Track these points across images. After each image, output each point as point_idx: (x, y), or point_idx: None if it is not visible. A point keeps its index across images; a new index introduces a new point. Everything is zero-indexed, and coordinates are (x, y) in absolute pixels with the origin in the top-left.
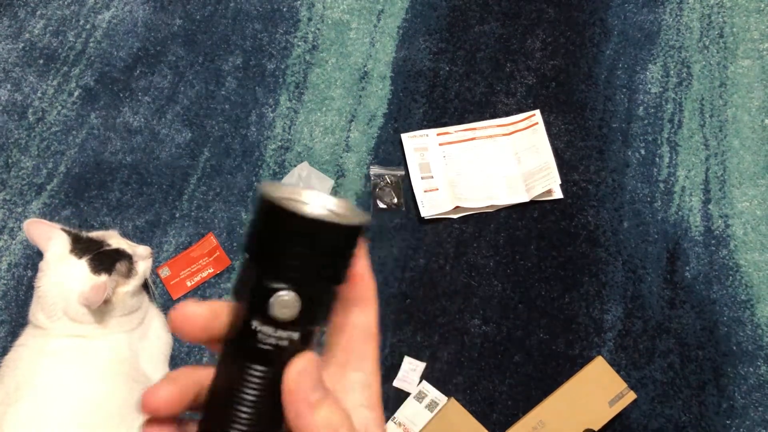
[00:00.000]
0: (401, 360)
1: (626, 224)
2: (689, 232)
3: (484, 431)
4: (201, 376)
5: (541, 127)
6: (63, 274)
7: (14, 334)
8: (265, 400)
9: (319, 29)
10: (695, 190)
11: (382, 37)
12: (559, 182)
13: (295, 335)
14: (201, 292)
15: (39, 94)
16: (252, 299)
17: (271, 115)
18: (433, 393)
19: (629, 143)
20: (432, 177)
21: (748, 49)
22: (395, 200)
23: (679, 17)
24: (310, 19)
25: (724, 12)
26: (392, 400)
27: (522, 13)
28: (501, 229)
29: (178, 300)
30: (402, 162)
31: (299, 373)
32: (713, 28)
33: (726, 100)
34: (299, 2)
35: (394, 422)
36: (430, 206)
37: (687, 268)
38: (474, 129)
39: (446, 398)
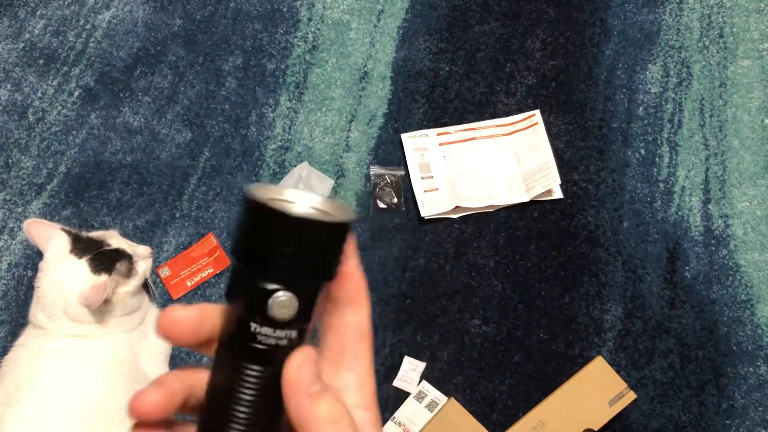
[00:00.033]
0: (401, 360)
1: (626, 224)
2: (689, 232)
3: (484, 431)
4: (190, 380)
5: (541, 127)
6: (63, 274)
7: (14, 334)
8: (265, 400)
9: (319, 29)
10: (695, 190)
11: (382, 37)
12: (559, 182)
13: (293, 333)
14: (201, 292)
15: (39, 94)
16: (249, 301)
17: (271, 115)
18: (433, 393)
19: (629, 143)
20: (432, 177)
21: (748, 49)
22: (395, 200)
23: (679, 17)
24: (310, 19)
25: (724, 12)
26: (392, 400)
27: (522, 13)
28: (501, 229)
29: (179, 300)
30: (402, 162)
31: (299, 365)
32: (713, 28)
33: (726, 100)
34: (299, 2)
35: (394, 422)
36: (430, 206)
37: (687, 268)
38: (474, 129)
39: (446, 398)
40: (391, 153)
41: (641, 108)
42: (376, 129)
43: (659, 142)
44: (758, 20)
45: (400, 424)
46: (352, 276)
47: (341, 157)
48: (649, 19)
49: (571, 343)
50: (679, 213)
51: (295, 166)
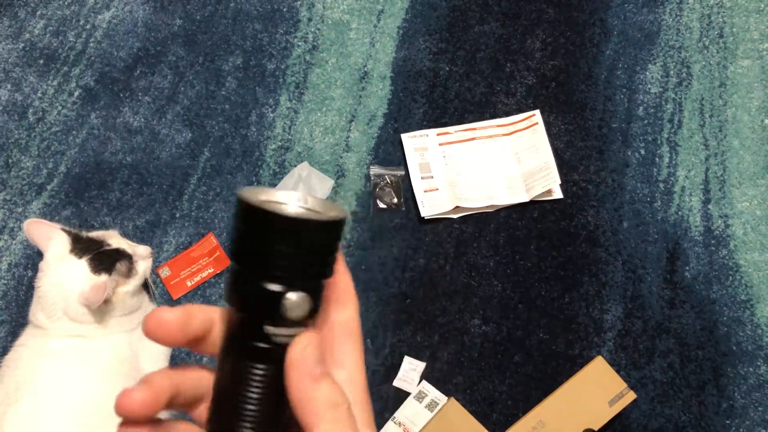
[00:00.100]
0: (401, 360)
1: (626, 224)
2: (689, 232)
3: (484, 431)
4: (177, 378)
5: (541, 127)
6: (63, 274)
7: (14, 334)
8: (274, 396)
9: (319, 29)
10: (695, 190)
11: (382, 37)
12: (559, 182)
13: (300, 330)
14: (201, 291)
15: (39, 94)
16: (260, 304)
17: (271, 115)
18: (433, 393)
19: (629, 143)
20: (432, 177)
21: (748, 49)
22: (395, 200)
23: (678, 17)
24: (310, 20)
25: (724, 12)
26: (392, 400)
27: (522, 13)
28: (501, 229)
29: (179, 300)
30: (402, 162)
31: (304, 347)
32: (713, 28)
33: (726, 100)
34: (299, 2)
35: (394, 422)
36: (430, 206)
37: (687, 268)
38: (474, 129)
39: (446, 398)
40: (391, 153)
41: (641, 108)
42: (376, 129)
43: (659, 142)
44: (758, 20)
45: (400, 424)
46: (339, 274)
47: (341, 157)
48: (649, 19)
49: (571, 343)
50: (679, 213)
51: (295, 166)
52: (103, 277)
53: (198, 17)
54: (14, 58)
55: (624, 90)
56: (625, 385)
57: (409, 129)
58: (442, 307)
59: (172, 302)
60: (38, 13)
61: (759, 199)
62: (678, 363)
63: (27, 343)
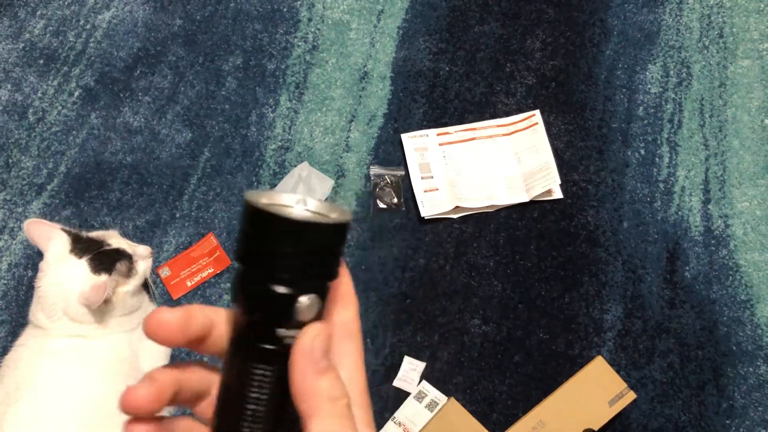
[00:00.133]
0: (401, 360)
1: (626, 224)
2: (689, 232)
3: (484, 431)
4: (180, 375)
5: (541, 127)
6: (63, 274)
7: (14, 334)
8: (279, 398)
9: (319, 29)
10: (695, 190)
11: (382, 37)
12: (559, 182)
13: None
14: (201, 292)
15: (39, 94)
16: (272, 307)
17: (271, 115)
18: (433, 393)
19: (629, 143)
20: (432, 177)
21: (748, 49)
22: (395, 200)
23: (678, 17)
24: (310, 20)
25: (723, 12)
26: (392, 400)
27: (522, 13)
28: (501, 229)
29: (179, 300)
30: (402, 162)
31: (313, 338)
32: (713, 28)
33: (726, 100)
34: (299, 2)
35: (394, 422)
36: (430, 206)
37: (687, 268)
38: (474, 129)
39: (446, 398)
40: (391, 153)
41: (641, 108)
42: (376, 129)
43: (659, 142)
44: (758, 20)
45: (400, 424)
46: (340, 275)
47: (341, 157)
48: (649, 19)
49: (571, 343)
50: (679, 213)
51: (295, 166)
52: (103, 277)
53: (198, 17)
54: (14, 58)
55: (624, 90)
56: (625, 385)
57: (409, 129)
58: (442, 307)
59: (172, 302)
60: (38, 13)
61: (759, 199)
62: (678, 363)
63: (27, 343)
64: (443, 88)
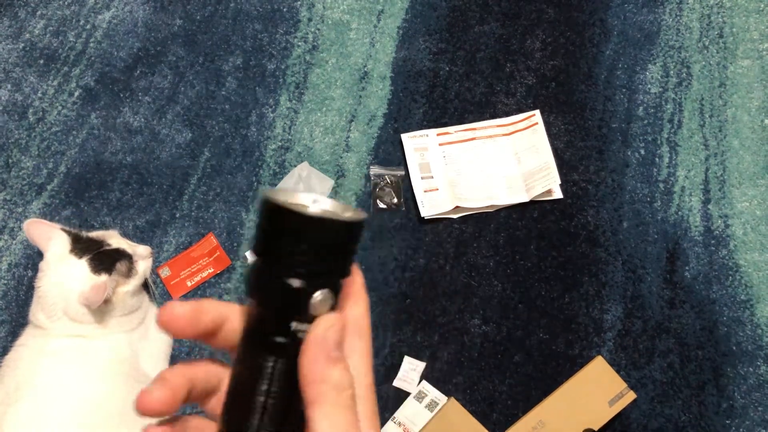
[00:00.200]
0: (401, 360)
1: (626, 224)
2: (689, 232)
3: (484, 431)
4: (190, 373)
5: (541, 127)
6: (63, 274)
7: (14, 334)
8: (290, 392)
9: (319, 29)
10: (695, 190)
11: (382, 37)
12: (559, 182)
13: None
14: (201, 292)
15: (39, 94)
16: (287, 301)
17: (272, 115)
18: (433, 393)
19: (629, 143)
20: (432, 177)
21: (748, 49)
22: (395, 200)
23: (678, 17)
24: (310, 20)
25: (723, 12)
26: (392, 399)
27: (522, 13)
28: (501, 229)
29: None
30: (402, 162)
31: (328, 327)
32: (713, 28)
33: (726, 100)
34: (299, 2)
35: (394, 422)
36: (430, 206)
37: (687, 268)
38: (474, 129)
39: (446, 398)
40: (391, 153)
41: (641, 108)
42: (376, 129)
43: (659, 142)
44: (758, 20)
45: (400, 424)
46: (352, 273)
47: (341, 157)
48: (649, 19)
49: (571, 343)
50: (679, 213)
51: (295, 166)
52: (103, 277)
53: (198, 17)
54: (14, 58)
55: (624, 90)
56: (625, 385)
57: (409, 129)
58: (442, 307)
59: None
60: (38, 13)
61: (759, 199)
62: (678, 363)
63: (27, 343)
64: (443, 88)
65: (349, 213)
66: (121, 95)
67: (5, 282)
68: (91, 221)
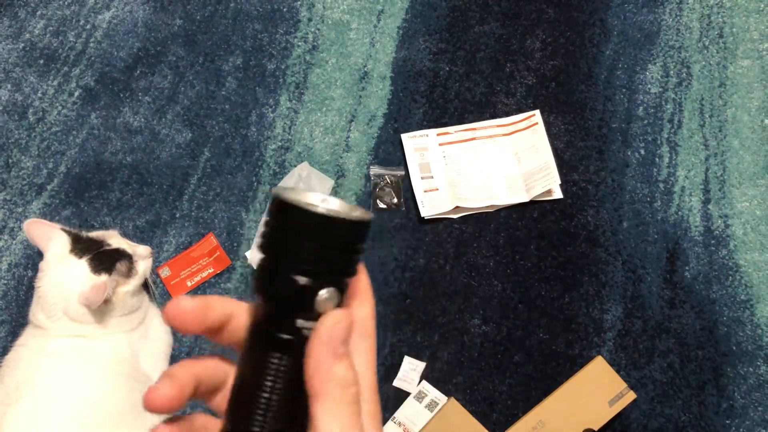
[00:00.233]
0: (401, 360)
1: (626, 224)
2: (689, 232)
3: (484, 431)
4: (196, 369)
5: (541, 127)
6: (63, 274)
7: (14, 334)
8: (294, 389)
9: (319, 29)
10: (695, 190)
11: (382, 37)
12: (559, 182)
13: None
14: (201, 292)
15: (39, 94)
16: (292, 297)
17: (271, 115)
18: (433, 393)
19: (629, 143)
20: (432, 177)
21: (748, 49)
22: (395, 200)
23: (678, 17)
24: (310, 20)
25: (723, 12)
26: (392, 399)
27: (522, 13)
28: (501, 229)
29: None
30: (402, 162)
31: (336, 323)
32: (713, 29)
33: (726, 100)
34: (299, 2)
35: (394, 422)
36: (430, 206)
37: (687, 268)
38: (474, 129)
39: (446, 398)
40: (391, 153)
41: (641, 108)
42: (376, 129)
43: (659, 142)
44: (758, 20)
45: (400, 424)
46: (359, 273)
47: (341, 157)
48: (649, 19)
49: (571, 343)
50: (679, 213)
51: (295, 166)
52: (103, 277)
53: (198, 17)
54: (14, 58)
55: (624, 90)
56: (625, 385)
57: (409, 129)
58: (442, 307)
59: None
60: (38, 13)
61: (759, 199)
62: (678, 363)
63: (27, 343)
64: (443, 88)
65: (356, 213)
66: (121, 95)
67: (5, 282)
68: (91, 221)
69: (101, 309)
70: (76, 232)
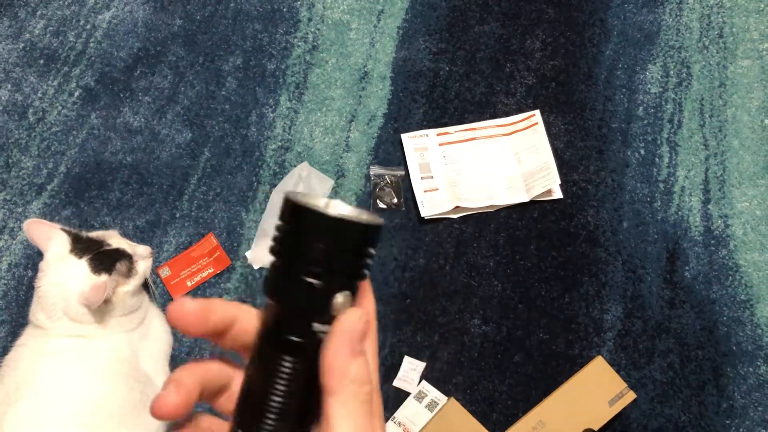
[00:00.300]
0: (401, 360)
1: (626, 224)
2: (689, 232)
3: (484, 431)
4: (201, 373)
5: (541, 127)
6: (63, 274)
7: (14, 334)
8: (305, 392)
9: (319, 29)
10: (695, 190)
11: (382, 37)
12: (559, 182)
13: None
14: (201, 292)
15: (39, 95)
16: (307, 300)
17: (272, 115)
18: (433, 393)
19: (629, 143)
20: (432, 177)
21: (748, 49)
22: (395, 200)
23: (678, 17)
24: (310, 20)
25: (723, 12)
26: (392, 399)
27: (522, 13)
28: (501, 229)
29: None
30: (402, 162)
31: (356, 320)
32: (713, 29)
33: (726, 100)
34: (299, 2)
35: (394, 422)
36: (430, 206)
37: (687, 268)
38: (474, 129)
39: (446, 398)
40: (391, 153)
41: (641, 108)
42: (376, 129)
43: (659, 142)
44: (758, 20)
45: (400, 424)
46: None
47: (341, 157)
48: (649, 19)
49: (571, 343)
50: (679, 213)
51: (295, 166)
52: (103, 277)
53: (198, 17)
54: (14, 58)
55: (624, 90)
56: (625, 385)
57: (409, 129)
58: (442, 307)
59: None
60: (38, 13)
61: (759, 199)
62: (678, 363)
63: (27, 343)
64: (443, 88)
65: (366, 217)
66: (121, 95)
67: (5, 282)
68: (91, 221)
69: (101, 309)
70: (76, 232)
